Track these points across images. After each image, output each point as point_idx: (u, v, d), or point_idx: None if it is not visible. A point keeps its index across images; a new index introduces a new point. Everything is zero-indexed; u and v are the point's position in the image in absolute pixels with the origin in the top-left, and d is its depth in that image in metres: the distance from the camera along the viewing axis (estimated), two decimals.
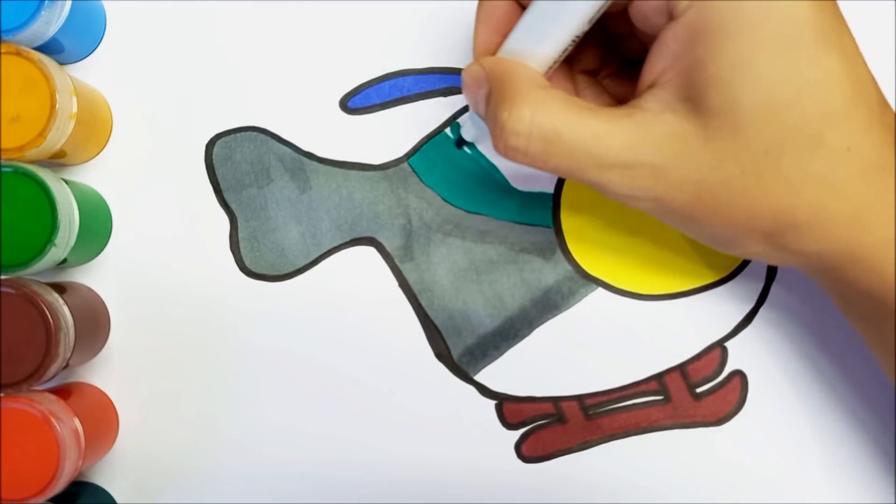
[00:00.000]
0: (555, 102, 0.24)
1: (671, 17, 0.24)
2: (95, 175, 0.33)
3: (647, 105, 0.24)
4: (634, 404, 0.33)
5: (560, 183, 0.33)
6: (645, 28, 0.25)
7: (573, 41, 0.25)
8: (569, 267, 0.33)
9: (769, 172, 0.23)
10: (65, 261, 0.30)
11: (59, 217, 0.29)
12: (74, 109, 0.30)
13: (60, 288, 0.30)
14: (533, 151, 0.25)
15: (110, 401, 0.33)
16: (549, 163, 0.25)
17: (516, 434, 0.33)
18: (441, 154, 0.33)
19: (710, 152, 0.23)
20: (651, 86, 0.25)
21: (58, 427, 0.28)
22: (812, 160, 0.23)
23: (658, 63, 0.24)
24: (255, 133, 0.33)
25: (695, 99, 0.23)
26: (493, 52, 0.27)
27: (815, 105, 0.23)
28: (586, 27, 0.25)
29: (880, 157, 0.23)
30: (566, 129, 0.24)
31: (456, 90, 0.33)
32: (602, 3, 0.24)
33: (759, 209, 0.24)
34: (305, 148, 0.33)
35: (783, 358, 0.32)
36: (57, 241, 0.29)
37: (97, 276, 0.33)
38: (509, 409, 0.33)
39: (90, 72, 0.34)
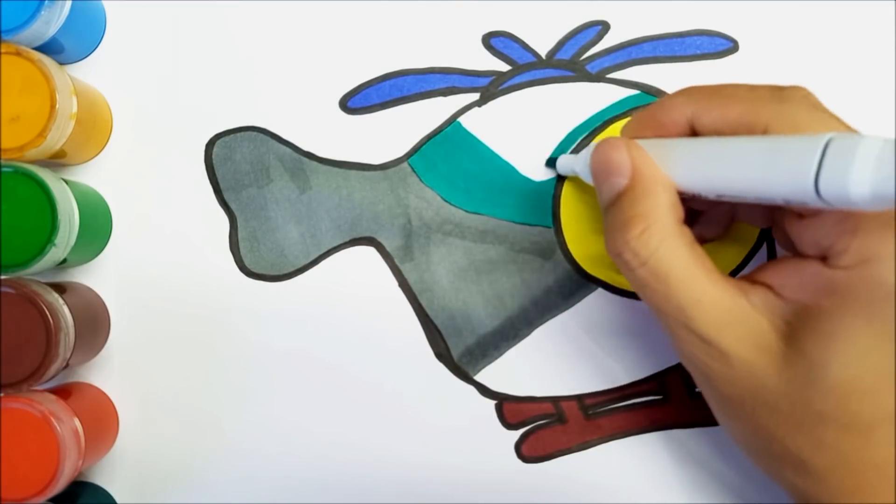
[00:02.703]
0: (681, 247, 0.25)
1: (824, 257, 0.24)
2: (95, 175, 0.33)
3: (755, 300, 0.25)
4: (634, 404, 0.33)
5: (560, 183, 0.33)
6: (795, 241, 0.25)
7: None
8: (569, 267, 0.33)
9: (808, 429, 0.24)
10: (65, 261, 0.30)
11: (59, 217, 0.29)
12: (74, 109, 0.29)
13: (60, 288, 0.30)
14: (637, 275, 0.25)
15: (110, 401, 0.33)
16: (642, 290, 0.25)
17: (516, 434, 0.33)
18: (441, 154, 0.33)
19: (778, 378, 0.24)
20: (768, 286, 0.25)
21: (58, 427, 0.28)
22: (846, 440, 0.23)
23: (786, 275, 0.25)
24: (254, 133, 0.33)
25: (798, 331, 0.24)
26: (644, 133, 0.27)
27: (885, 406, 0.23)
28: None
29: None
30: (676, 279, 0.24)
31: (456, 90, 0.33)
32: (782, 203, 0.23)
33: (786, 446, 0.24)
34: (305, 148, 0.33)
35: None
36: (57, 241, 0.29)
37: (97, 276, 0.33)
38: (509, 409, 0.33)
39: (90, 72, 0.34)
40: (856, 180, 0.19)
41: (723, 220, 0.30)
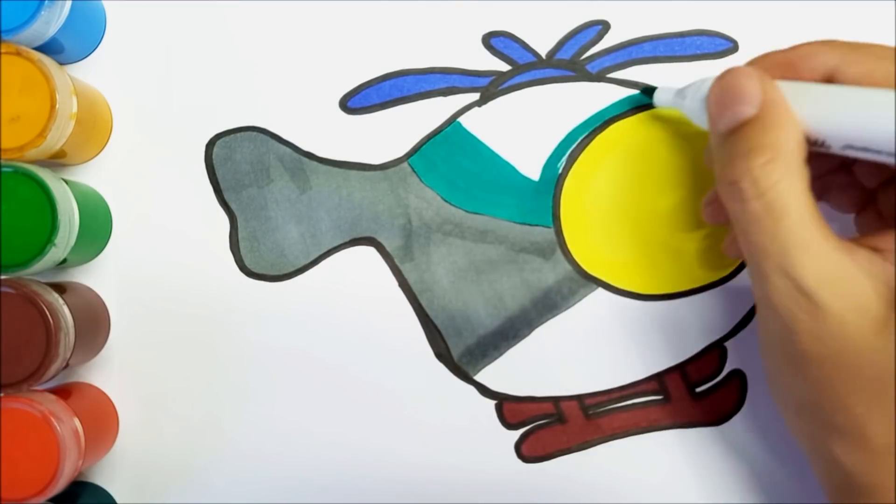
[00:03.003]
0: (803, 187, 0.24)
1: None
2: (95, 175, 0.33)
3: (861, 261, 0.24)
4: (634, 404, 0.33)
5: (560, 183, 0.33)
6: None
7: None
8: (569, 267, 0.33)
9: (887, 398, 0.23)
10: (65, 261, 0.30)
11: (59, 217, 0.28)
12: (74, 109, 0.29)
13: (60, 288, 0.30)
14: (750, 206, 0.24)
15: (110, 401, 0.33)
16: (749, 224, 0.24)
17: (516, 434, 0.33)
18: (441, 154, 0.33)
19: (871, 341, 0.23)
20: (877, 249, 0.24)
21: (58, 427, 0.28)
22: None
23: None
24: (255, 133, 0.33)
25: None
26: (774, 73, 0.26)
27: None
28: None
29: None
30: (790, 218, 0.24)
31: (456, 90, 0.33)
32: None
33: (854, 414, 0.24)
34: (305, 148, 0.33)
35: None
36: (57, 241, 0.29)
37: (97, 276, 0.33)
38: (509, 408, 0.33)
39: (90, 72, 0.34)
40: None
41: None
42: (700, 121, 0.28)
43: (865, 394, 0.23)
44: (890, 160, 0.23)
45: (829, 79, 0.25)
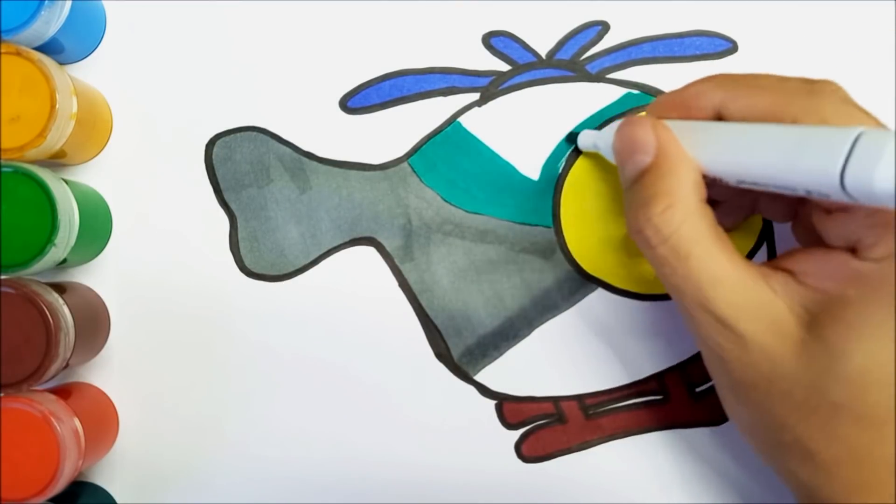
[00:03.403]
0: (703, 227, 0.25)
1: (853, 248, 0.24)
2: (95, 175, 0.33)
3: (775, 286, 0.25)
4: (634, 404, 0.33)
5: (560, 183, 0.33)
6: (822, 234, 0.25)
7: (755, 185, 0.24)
8: (569, 267, 0.33)
9: (821, 418, 0.23)
10: (65, 261, 0.30)
11: (59, 217, 0.28)
12: (74, 109, 0.29)
13: (60, 288, 0.30)
14: (657, 252, 0.25)
15: (110, 401, 0.33)
16: (661, 268, 0.25)
17: (516, 434, 0.33)
18: (441, 154, 0.33)
19: (794, 364, 0.24)
20: (790, 272, 0.25)
21: (58, 427, 0.28)
22: (859, 433, 0.23)
23: (811, 263, 0.25)
24: (254, 133, 0.33)
25: (818, 319, 0.24)
26: (670, 115, 0.27)
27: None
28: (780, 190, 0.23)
29: None
30: (696, 258, 0.24)
31: (456, 90, 0.33)
32: (817, 196, 0.22)
33: (796, 435, 0.24)
34: (305, 148, 0.33)
35: None
36: (57, 241, 0.29)
37: (97, 276, 0.33)
38: (509, 409, 0.33)
39: (90, 72, 0.34)
40: (882, 176, 0.19)
41: (741, 211, 0.30)
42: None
43: (801, 413, 0.24)
44: (785, 191, 0.23)
45: (718, 115, 0.26)
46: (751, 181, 0.24)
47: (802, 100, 0.24)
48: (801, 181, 0.22)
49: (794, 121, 0.24)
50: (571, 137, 0.32)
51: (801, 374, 0.23)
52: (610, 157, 0.29)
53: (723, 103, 0.26)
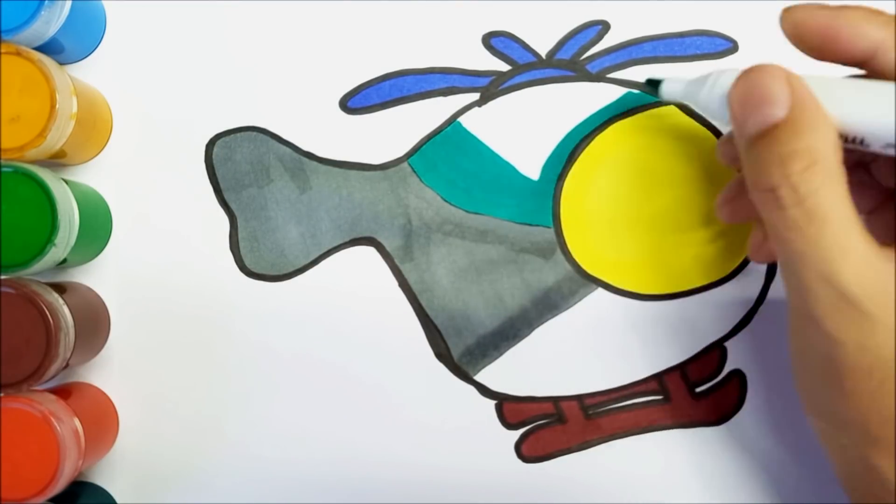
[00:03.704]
0: (843, 192, 0.23)
1: None
2: (95, 175, 0.33)
3: None
4: (634, 404, 0.33)
5: (560, 183, 0.33)
6: None
7: None
8: (569, 267, 0.33)
9: None
10: (65, 261, 0.30)
11: (59, 217, 0.28)
12: (74, 109, 0.29)
13: (60, 288, 0.30)
14: (789, 213, 0.23)
15: (110, 401, 0.33)
16: (789, 231, 0.23)
17: (516, 434, 0.33)
18: (441, 154, 0.33)
19: None
20: None
21: (58, 427, 0.28)
22: None
23: None
24: (255, 133, 0.33)
25: None
26: (811, 38, 0.25)
27: None
28: None
29: None
30: (832, 224, 0.22)
31: (456, 90, 0.33)
32: None
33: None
34: (305, 148, 0.33)
35: (782, 358, 0.32)
36: (57, 241, 0.29)
37: (97, 276, 0.33)
38: (509, 409, 0.33)
39: (90, 72, 0.34)
40: None
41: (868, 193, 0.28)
42: (718, 117, 0.27)
43: None
44: None
45: (871, 56, 0.24)
46: None
47: None
48: None
49: None
50: (653, 83, 0.29)
51: None
52: (709, 111, 0.26)
53: (883, 44, 0.23)
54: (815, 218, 0.23)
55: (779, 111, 0.23)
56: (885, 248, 0.23)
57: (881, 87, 0.24)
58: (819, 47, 0.25)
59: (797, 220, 0.23)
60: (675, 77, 0.29)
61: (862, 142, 0.24)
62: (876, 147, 0.23)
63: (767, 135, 0.24)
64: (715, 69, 0.27)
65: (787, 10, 0.25)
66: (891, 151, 0.23)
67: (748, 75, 0.25)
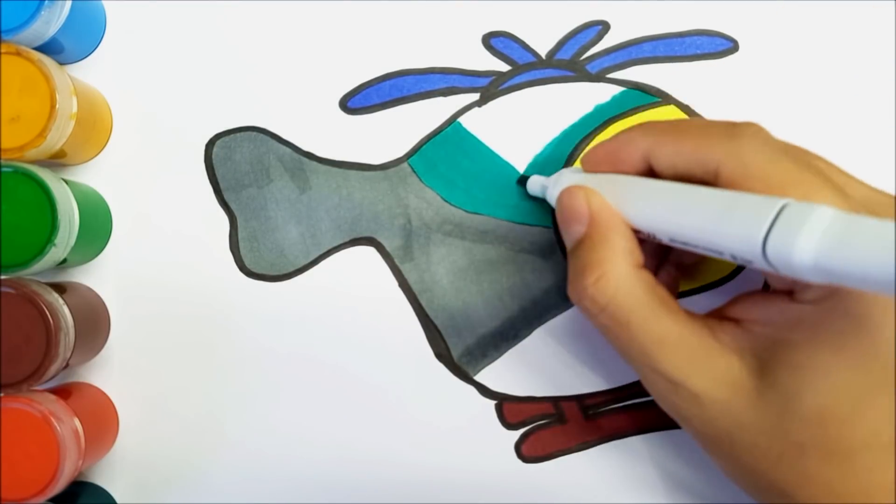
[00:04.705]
0: (639, 292, 0.25)
1: (790, 291, 0.24)
2: (95, 175, 0.33)
3: (722, 337, 0.25)
4: (634, 404, 0.33)
5: None
6: (765, 275, 0.26)
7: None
8: None
9: (789, 462, 0.23)
10: (65, 261, 0.30)
11: (59, 217, 0.28)
12: (74, 109, 0.29)
13: (60, 288, 0.30)
14: (598, 321, 0.25)
15: (110, 401, 0.33)
16: (606, 335, 0.26)
17: (516, 434, 0.33)
18: (441, 154, 0.33)
19: (753, 414, 0.24)
20: (736, 321, 0.25)
21: (58, 427, 0.28)
22: (829, 469, 0.23)
23: (754, 310, 0.25)
24: (254, 133, 0.33)
25: (769, 365, 0.24)
26: (602, 167, 0.27)
27: (863, 433, 0.23)
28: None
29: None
30: (636, 323, 0.25)
31: (456, 90, 0.33)
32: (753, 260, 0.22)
33: (770, 479, 0.24)
34: (305, 148, 0.33)
35: None
36: (57, 241, 0.29)
37: (97, 276, 0.33)
38: (509, 409, 0.33)
39: (90, 72, 0.34)
40: (801, 249, 0.20)
41: None
42: None
43: (769, 460, 0.24)
44: (712, 254, 0.23)
45: (647, 163, 0.26)
46: (681, 241, 0.24)
47: (725, 143, 0.24)
48: (727, 246, 0.22)
49: (717, 165, 0.24)
50: (522, 180, 0.32)
51: (760, 422, 0.24)
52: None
53: (650, 150, 0.26)
54: (619, 321, 0.25)
55: (580, 227, 0.26)
56: (709, 321, 0.25)
57: (656, 189, 0.25)
58: (613, 169, 0.27)
59: (608, 325, 0.25)
60: (536, 178, 0.31)
61: (654, 237, 0.25)
62: (664, 240, 0.25)
63: (573, 250, 0.26)
64: (564, 171, 0.29)
65: (583, 158, 0.28)
66: (676, 245, 0.24)
67: (561, 197, 0.27)
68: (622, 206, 0.26)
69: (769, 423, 0.23)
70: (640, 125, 0.27)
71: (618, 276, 0.25)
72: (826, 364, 0.23)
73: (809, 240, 0.19)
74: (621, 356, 0.26)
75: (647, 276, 0.25)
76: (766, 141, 0.24)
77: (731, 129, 0.25)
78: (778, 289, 0.25)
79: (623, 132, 0.27)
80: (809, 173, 0.23)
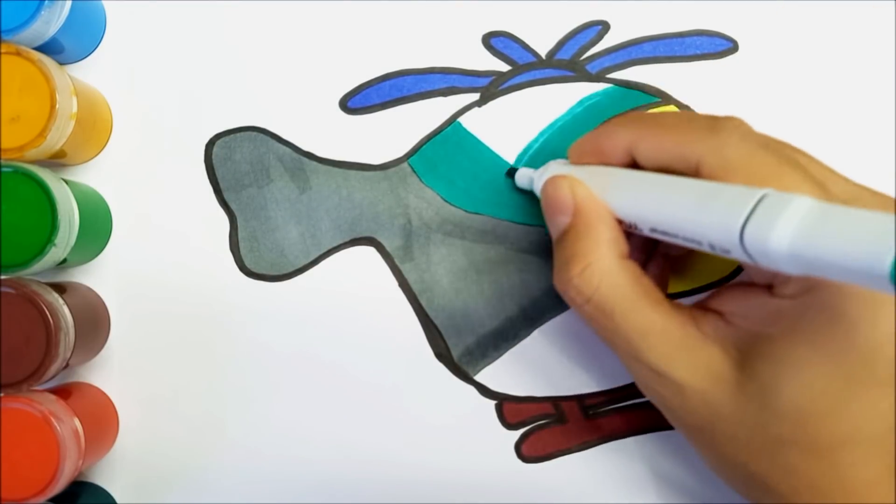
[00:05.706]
0: (623, 282, 0.25)
1: (770, 285, 0.24)
2: (95, 175, 0.33)
3: (706, 329, 0.25)
4: (634, 404, 0.33)
5: None
6: (745, 268, 0.26)
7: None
8: None
9: (769, 455, 0.24)
10: (65, 261, 0.30)
11: (59, 217, 0.28)
12: (74, 109, 0.29)
13: (60, 288, 0.30)
14: (583, 311, 0.26)
15: (110, 401, 0.33)
16: (591, 325, 0.26)
17: (516, 434, 0.33)
18: (441, 154, 0.33)
19: (733, 405, 0.24)
20: (719, 313, 0.25)
21: (58, 427, 0.28)
22: (810, 463, 0.23)
23: (736, 303, 0.25)
24: (254, 133, 0.33)
25: (750, 358, 0.24)
26: (587, 158, 0.27)
27: (843, 429, 0.23)
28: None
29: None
30: (620, 314, 0.25)
31: (456, 90, 0.33)
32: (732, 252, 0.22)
33: (750, 471, 0.24)
34: (305, 148, 0.33)
35: None
36: (57, 241, 0.29)
37: (97, 276, 0.33)
38: (509, 409, 0.33)
39: (90, 72, 0.34)
40: (777, 236, 0.20)
41: None
42: None
43: (750, 452, 0.24)
44: (691, 245, 0.23)
45: (630, 156, 0.26)
46: (661, 231, 0.24)
47: (705, 138, 0.24)
48: (705, 235, 0.22)
49: (698, 159, 0.24)
50: (511, 172, 0.32)
51: (741, 414, 0.24)
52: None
53: (632, 143, 0.26)
54: (605, 311, 0.25)
55: (565, 218, 0.26)
56: (692, 312, 0.25)
57: (636, 179, 0.25)
58: (598, 161, 0.27)
59: (593, 315, 0.25)
60: (524, 170, 0.31)
61: (636, 226, 0.25)
62: (645, 231, 0.25)
63: (559, 240, 0.26)
64: (550, 163, 0.29)
65: (569, 151, 0.28)
66: (657, 235, 0.24)
67: (545, 187, 0.27)
68: (606, 196, 0.26)
69: (749, 415, 0.24)
70: (624, 117, 0.27)
71: (602, 267, 0.25)
72: (803, 359, 0.23)
73: (786, 227, 0.19)
74: (607, 345, 0.26)
75: (632, 267, 0.25)
76: (746, 135, 0.24)
77: (713, 124, 0.25)
78: (759, 283, 0.25)
79: (606, 124, 0.27)
80: (789, 167, 0.23)
